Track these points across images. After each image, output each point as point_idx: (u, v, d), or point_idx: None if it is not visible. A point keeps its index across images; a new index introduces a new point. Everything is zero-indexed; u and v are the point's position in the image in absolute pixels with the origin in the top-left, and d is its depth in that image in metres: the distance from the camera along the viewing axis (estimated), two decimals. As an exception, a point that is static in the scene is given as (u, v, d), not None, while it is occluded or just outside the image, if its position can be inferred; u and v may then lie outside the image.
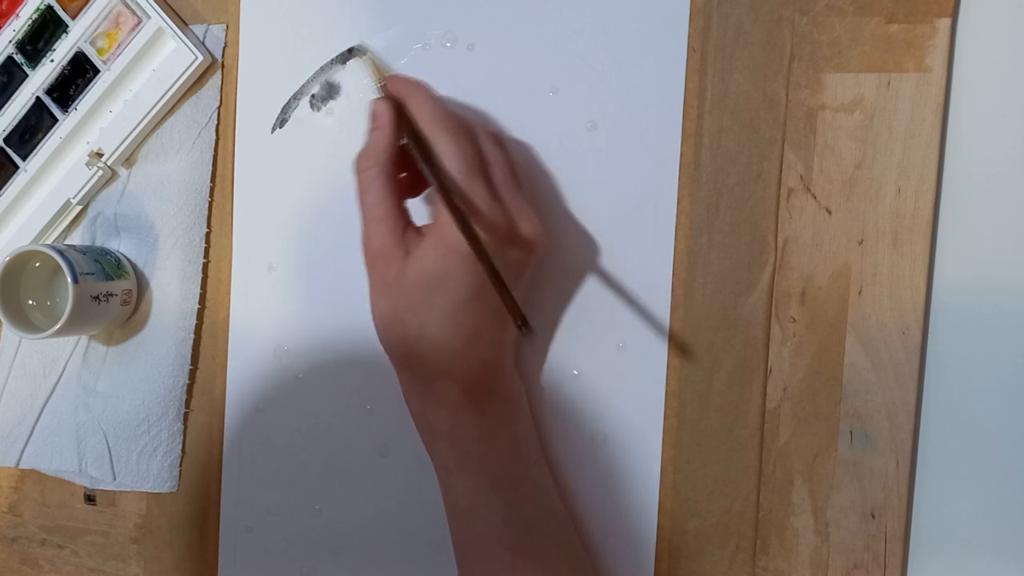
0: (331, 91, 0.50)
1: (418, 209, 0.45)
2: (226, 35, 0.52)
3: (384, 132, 0.41)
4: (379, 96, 0.42)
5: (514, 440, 0.43)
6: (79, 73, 0.53)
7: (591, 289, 0.47)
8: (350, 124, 0.50)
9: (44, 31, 0.53)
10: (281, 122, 0.50)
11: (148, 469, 0.54)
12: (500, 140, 0.44)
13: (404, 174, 0.44)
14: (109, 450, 0.54)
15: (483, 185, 0.40)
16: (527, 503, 0.42)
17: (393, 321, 0.41)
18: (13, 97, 0.54)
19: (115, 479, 0.54)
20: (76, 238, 0.56)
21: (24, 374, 0.57)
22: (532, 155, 0.47)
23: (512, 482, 0.42)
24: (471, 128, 0.42)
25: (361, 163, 0.41)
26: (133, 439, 0.54)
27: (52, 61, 0.53)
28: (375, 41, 0.49)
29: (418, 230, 0.41)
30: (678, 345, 0.45)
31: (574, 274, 0.47)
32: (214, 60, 0.52)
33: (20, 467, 0.57)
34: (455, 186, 0.39)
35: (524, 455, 0.43)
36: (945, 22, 0.41)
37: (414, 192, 0.46)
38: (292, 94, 0.50)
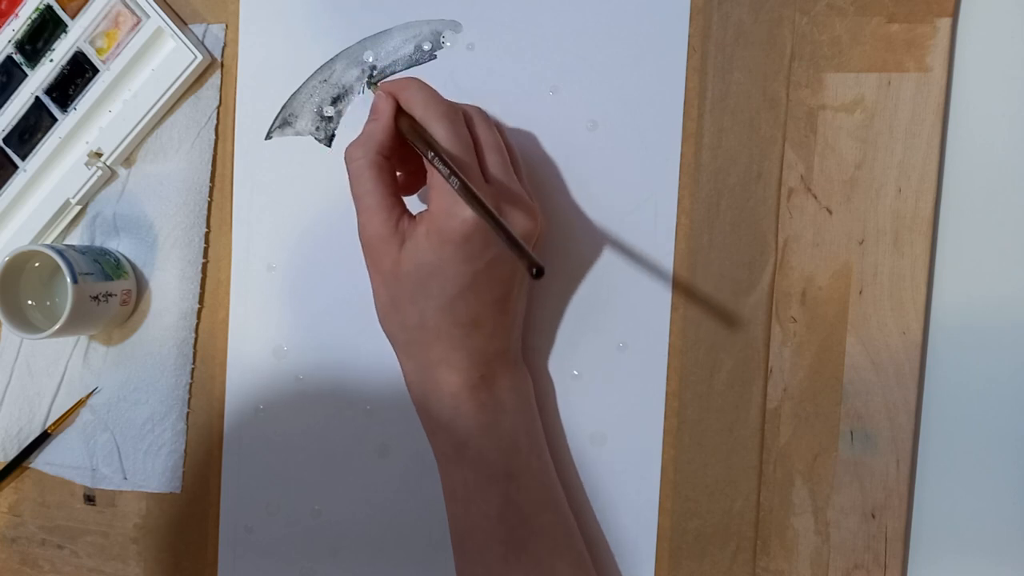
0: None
1: (417, 206, 0.45)
2: (225, 35, 0.52)
3: (381, 123, 0.41)
4: (379, 91, 0.43)
5: (514, 432, 0.42)
6: (78, 73, 0.53)
7: (591, 289, 0.47)
8: (350, 123, 0.50)
9: (43, 31, 0.53)
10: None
11: (154, 468, 0.54)
12: (499, 126, 0.44)
13: (400, 173, 0.44)
14: (118, 448, 0.55)
15: (476, 169, 0.40)
16: (524, 495, 0.42)
17: (392, 309, 0.42)
18: (12, 97, 0.54)
19: (125, 478, 0.54)
20: (75, 238, 0.56)
21: (29, 373, 0.57)
22: (536, 147, 0.47)
23: (510, 474, 0.41)
24: (466, 113, 0.42)
25: (351, 152, 0.41)
26: (139, 438, 0.54)
27: (51, 61, 0.53)
28: (374, 41, 0.49)
29: (413, 219, 0.41)
30: (678, 345, 0.45)
31: (574, 274, 0.47)
32: (213, 60, 0.52)
33: (31, 466, 0.57)
34: (453, 161, 0.39)
35: (524, 447, 0.43)
36: (945, 22, 0.41)
37: (410, 189, 0.46)
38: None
